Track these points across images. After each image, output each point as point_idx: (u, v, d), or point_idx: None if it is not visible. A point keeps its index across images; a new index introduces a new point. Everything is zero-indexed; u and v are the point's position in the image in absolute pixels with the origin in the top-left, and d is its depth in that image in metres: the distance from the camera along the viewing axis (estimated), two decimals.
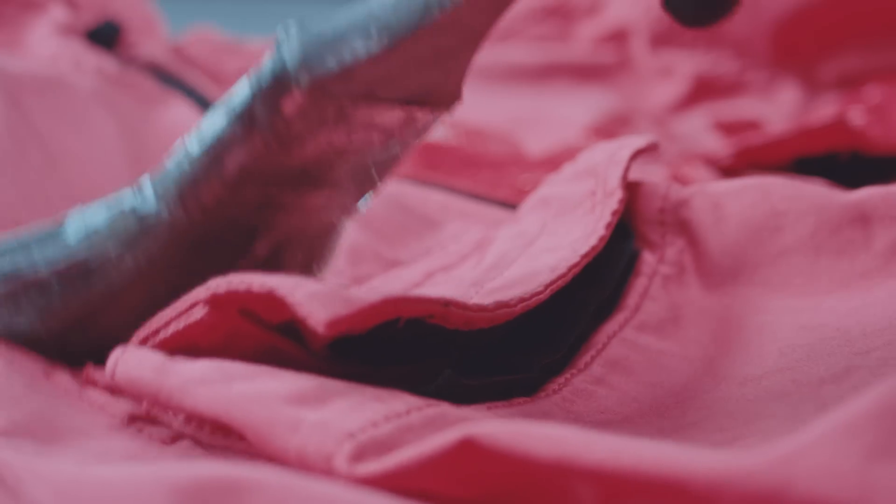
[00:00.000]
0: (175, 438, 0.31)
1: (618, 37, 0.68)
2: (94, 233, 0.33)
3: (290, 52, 0.31)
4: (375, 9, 0.31)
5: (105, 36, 0.57)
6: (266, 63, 0.31)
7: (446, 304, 0.31)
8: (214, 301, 0.31)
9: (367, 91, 0.32)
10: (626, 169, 0.39)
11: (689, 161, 0.55)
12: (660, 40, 0.67)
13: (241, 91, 0.32)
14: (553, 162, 0.56)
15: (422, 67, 0.33)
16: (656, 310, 0.37)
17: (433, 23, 0.31)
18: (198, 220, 0.32)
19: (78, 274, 0.33)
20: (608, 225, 0.37)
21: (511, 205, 0.48)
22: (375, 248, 0.45)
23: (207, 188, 0.32)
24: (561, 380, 0.34)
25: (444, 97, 0.35)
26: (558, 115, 0.59)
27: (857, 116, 0.59)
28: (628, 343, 0.36)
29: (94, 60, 0.53)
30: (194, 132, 0.32)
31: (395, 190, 0.48)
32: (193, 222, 0.32)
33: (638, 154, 0.39)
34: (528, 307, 0.34)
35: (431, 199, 0.48)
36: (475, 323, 0.33)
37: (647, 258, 0.38)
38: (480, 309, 0.32)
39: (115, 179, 0.48)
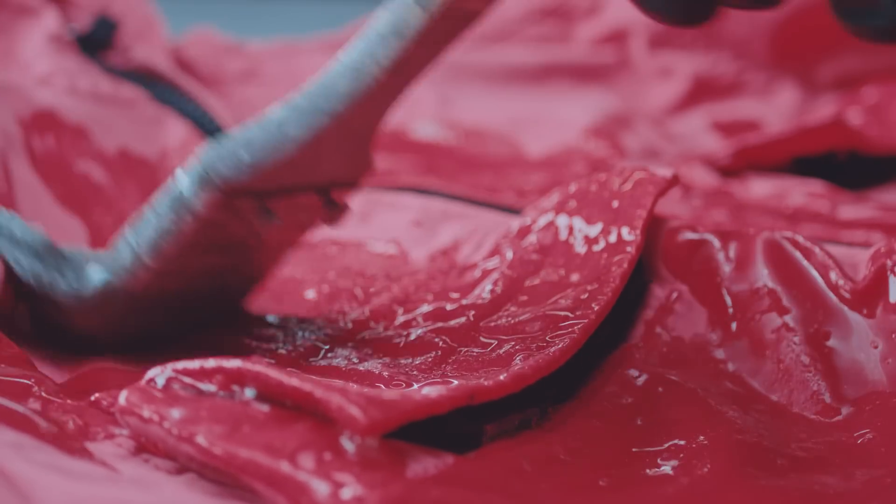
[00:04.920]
0: (181, 471, 0.32)
1: (617, 37, 0.68)
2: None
3: (206, 158, 0.35)
4: (294, 106, 0.36)
5: (101, 37, 0.57)
6: (189, 167, 0.35)
7: (472, 396, 0.32)
8: (237, 374, 0.32)
9: (281, 186, 0.36)
10: (649, 215, 0.39)
11: (688, 161, 0.56)
12: (659, 41, 0.67)
13: (173, 187, 0.36)
14: (553, 163, 0.56)
15: (335, 151, 0.37)
16: (659, 345, 0.37)
17: (337, 121, 0.35)
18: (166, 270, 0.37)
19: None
20: (624, 275, 0.37)
21: (511, 208, 0.48)
22: (381, 262, 0.45)
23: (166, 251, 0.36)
24: (562, 416, 0.35)
25: (357, 173, 0.38)
26: (557, 115, 0.59)
27: (854, 116, 0.59)
28: (629, 378, 0.36)
29: (89, 81, 0.53)
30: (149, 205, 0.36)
31: (394, 199, 0.48)
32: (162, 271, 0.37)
33: (662, 194, 0.39)
34: (544, 375, 0.34)
35: (432, 207, 0.48)
36: (497, 396, 0.33)
37: (656, 291, 0.39)
38: (501, 386, 0.33)
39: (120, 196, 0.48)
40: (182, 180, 0.35)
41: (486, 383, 0.33)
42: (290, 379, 0.31)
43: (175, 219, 0.35)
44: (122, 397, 0.32)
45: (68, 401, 0.35)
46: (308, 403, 0.31)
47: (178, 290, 0.37)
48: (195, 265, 0.37)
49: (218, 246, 0.37)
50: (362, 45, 0.36)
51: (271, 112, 0.36)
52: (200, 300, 0.39)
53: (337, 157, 0.37)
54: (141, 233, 0.36)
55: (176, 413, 0.31)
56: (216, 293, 0.40)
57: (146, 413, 0.32)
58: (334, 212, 0.38)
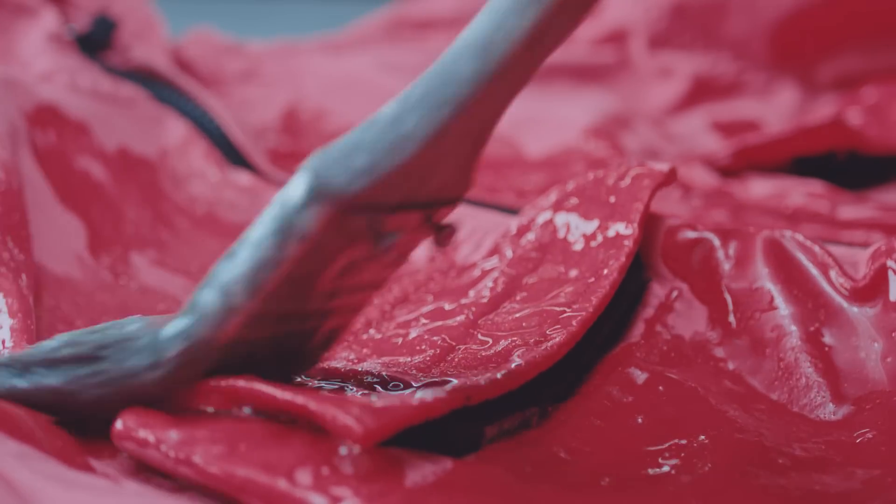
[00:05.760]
0: (181, 490, 0.32)
1: (617, 38, 0.68)
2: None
3: (315, 165, 0.30)
4: (402, 117, 0.30)
5: (100, 37, 0.57)
6: (292, 186, 0.30)
7: (468, 397, 0.32)
8: (231, 392, 0.32)
9: (393, 203, 0.31)
10: (646, 209, 0.39)
11: (688, 161, 0.56)
12: (658, 41, 0.67)
13: (275, 207, 0.30)
14: (553, 163, 0.56)
15: (452, 156, 0.31)
16: (659, 343, 0.37)
17: (461, 111, 0.30)
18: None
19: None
20: (621, 268, 0.37)
21: (511, 208, 0.48)
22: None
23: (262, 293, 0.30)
24: (562, 416, 0.35)
25: (460, 190, 0.33)
26: (557, 116, 0.59)
27: (854, 117, 0.59)
28: (629, 377, 0.36)
29: (89, 79, 0.53)
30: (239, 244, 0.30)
31: None
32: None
33: (659, 188, 0.39)
34: (541, 370, 0.34)
35: None
36: (494, 395, 0.33)
37: (656, 289, 0.39)
38: (497, 385, 0.33)
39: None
40: (289, 194, 0.29)
41: (482, 383, 0.33)
42: (283, 393, 0.31)
43: (279, 243, 0.29)
44: (119, 422, 0.32)
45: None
46: (303, 416, 0.31)
47: (264, 340, 0.32)
48: (290, 304, 0.31)
49: (319, 278, 0.31)
50: (489, 18, 0.30)
51: (384, 109, 0.30)
52: (282, 354, 0.33)
53: (447, 166, 0.31)
54: (231, 270, 0.30)
55: (173, 435, 0.31)
56: (299, 345, 0.33)
57: (143, 436, 0.31)
58: (442, 233, 0.33)
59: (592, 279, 0.37)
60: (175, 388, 0.31)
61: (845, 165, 0.56)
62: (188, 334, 0.30)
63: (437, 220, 0.33)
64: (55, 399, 0.32)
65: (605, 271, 0.37)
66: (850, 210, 0.50)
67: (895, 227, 0.48)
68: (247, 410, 0.32)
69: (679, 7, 0.68)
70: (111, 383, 0.31)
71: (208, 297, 0.30)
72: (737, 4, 0.67)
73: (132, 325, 0.31)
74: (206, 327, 0.30)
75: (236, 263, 0.30)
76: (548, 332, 0.36)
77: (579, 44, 0.68)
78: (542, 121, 0.59)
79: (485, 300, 0.39)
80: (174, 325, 0.30)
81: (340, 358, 0.37)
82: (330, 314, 0.33)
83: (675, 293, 0.39)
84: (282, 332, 0.32)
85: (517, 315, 0.37)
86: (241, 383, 0.32)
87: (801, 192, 0.52)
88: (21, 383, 0.32)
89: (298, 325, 0.32)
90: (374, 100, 0.61)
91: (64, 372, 0.32)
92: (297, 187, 0.29)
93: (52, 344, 0.32)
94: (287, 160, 0.55)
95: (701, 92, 0.65)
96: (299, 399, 0.31)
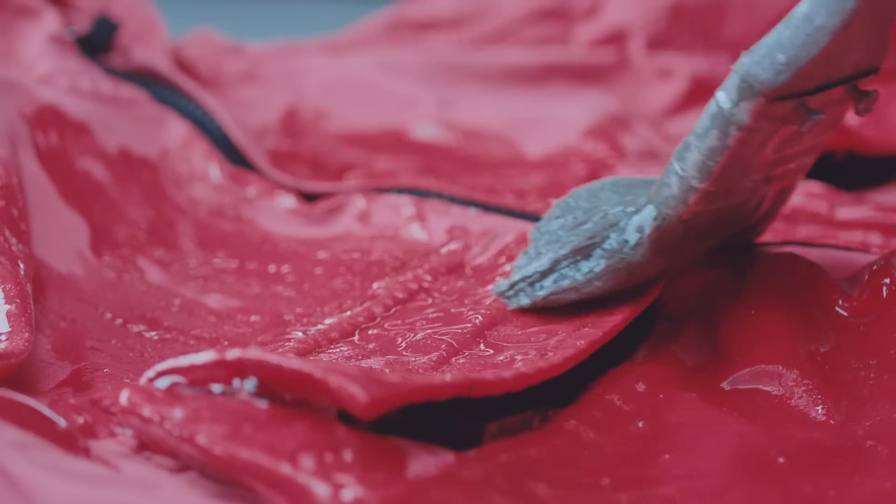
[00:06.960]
0: (183, 469, 0.32)
1: (616, 38, 0.68)
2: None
3: (741, 68, 0.34)
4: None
5: (101, 38, 0.57)
6: (725, 86, 0.35)
7: (472, 386, 0.32)
8: (238, 365, 0.32)
9: (813, 87, 0.35)
10: None
11: None
12: (658, 42, 0.67)
13: (713, 106, 0.35)
14: (552, 164, 0.56)
15: (860, 38, 0.35)
16: (663, 359, 0.37)
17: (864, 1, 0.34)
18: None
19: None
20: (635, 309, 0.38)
21: (512, 210, 0.48)
22: (385, 260, 0.45)
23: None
24: (562, 419, 0.35)
25: (878, 58, 0.37)
26: (557, 116, 0.59)
27: (852, 117, 0.59)
28: (630, 387, 0.36)
29: (90, 81, 0.53)
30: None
31: (395, 200, 0.49)
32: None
33: None
34: (547, 378, 0.35)
35: (433, 207, 0.48)
36: (498, 391, 0.33)
37: (662, 311, 0.39)
38: (502, 382, 0.33)
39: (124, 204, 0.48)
40: (721, 96, 0.35)
41: (487, 377, 0.33)
42: (290, 362, 0.31)
43: (720, 135, 0.35)
44: (124, 397, 0.32)
45: (71, 400, 0.35)
46: (308, 387, 0.31)
47: (718, 210, 0.37)
48: (737, 179, 0.37)
49: (758, 156, 0.37)
50: None
51: (796, 9, 0.34)
52: (730, 222, 0.39)
53: (861, 44, 0.35)
54: (687, 158, 0.35)
55: (177, 413, 0.31)
56: (742, 215, 0.39)
57: (147, 413, 0.32)
58: (864, 100, 0.37)
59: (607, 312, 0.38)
60: (655, 261, 0.37)
61: (843, 166, 0.56)
62: (659, 214, 0.36)
63: (860, 89, 0.37)
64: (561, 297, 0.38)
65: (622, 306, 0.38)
66: (848, 210, 0.50)
67: (893, 228, 0.48)
68: (249, 387, 0.32)
69: (678, 8, 0.68)
70: (607, 268, 0.37)
71: (671, 182, 0.36)
72: (735, 6, 0.67)
73: (610, 212, 0.37)
74: (671, 207, 0.36)
75: (689, 152, 0.35)
76: (556, 344, 0.36)
77: (579, 44, 0.69)
78: (542, 121, 0.59)
79: (494, 310, 0.39)
80: (647, 210, 0.36)
81: (343, 356, 0.37)
82: (774, 180, 0.38)
83: (679, 314, 0.39)
84: (733, 203, 0.37)
85: (526, 330, 0.37)
86: (247, 355, 0.32)
87: (799, 192, 0.52)
88: (526, 300, 0.38)
89: (746, 195, 0.38)
90: (374, 100, 0.61)
91: (561, 274, 0.38)
92: (729, 87, 0.34)
93: (549, 255, 0.38)
94: (287, 160, 0.56)
95: (700, 93, 0.65)
96: (305, 367, 0.31)
